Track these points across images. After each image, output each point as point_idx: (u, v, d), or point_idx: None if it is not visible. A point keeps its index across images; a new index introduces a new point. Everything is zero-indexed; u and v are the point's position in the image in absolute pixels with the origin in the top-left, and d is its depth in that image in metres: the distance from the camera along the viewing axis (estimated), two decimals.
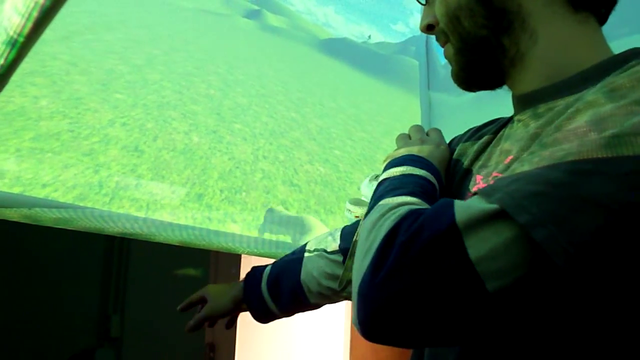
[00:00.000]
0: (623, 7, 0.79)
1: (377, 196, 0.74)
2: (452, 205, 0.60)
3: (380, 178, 0.81)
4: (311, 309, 1.24)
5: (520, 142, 0.74)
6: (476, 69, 0.80)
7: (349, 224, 1.21)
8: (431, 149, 0.89)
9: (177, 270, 4.14)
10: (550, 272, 0.54)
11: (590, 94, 0.62)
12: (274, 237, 1.87)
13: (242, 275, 3.49)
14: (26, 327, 3.80)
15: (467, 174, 0.85)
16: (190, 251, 2.60)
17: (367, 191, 1.03)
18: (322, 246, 1.19)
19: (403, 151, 0.87)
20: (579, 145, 0.56)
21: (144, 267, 4.13)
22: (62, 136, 1.69)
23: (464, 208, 0.58)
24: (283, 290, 1.20)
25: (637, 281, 0.58)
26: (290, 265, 1.22)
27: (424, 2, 0.86)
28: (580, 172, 0.54)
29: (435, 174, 0.82)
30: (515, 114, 0.81)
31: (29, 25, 0.65)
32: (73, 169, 1.67)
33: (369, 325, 0.61)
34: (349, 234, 1.15)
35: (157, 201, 1.79)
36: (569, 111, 0.63)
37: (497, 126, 0.89)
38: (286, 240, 1.94)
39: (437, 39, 0.85)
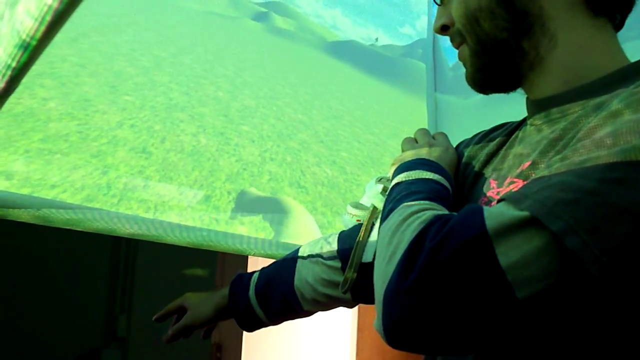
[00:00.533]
0: (633, 10, 0.79)
1: (395, 200, 0.73)
2: (481, 212, 0.60)
3: (393, 182, 0.80)
4: (302, 317, 1.20)
5: (536, 146, 0.74)
6: (492, 71, 0.80)
7: (345, 229, 1.16)
8: (440, 152, 0.88)
9: (184, 270, 4.15)
10: (581, 280, 0.54)
11: (615, 103, 0.62)
12: (247, 219, 1.86)
13: None
14: (33, 327, 3.81)
15: (479, 177, 0.85)
16: (197, 252, 2.61)
17: (370, 192, 1.02)
18: (316, 251, 1.14)
19: (412, 154, 0.87)
20: (608, 155, 0.56)
21: (150, 268, 4.15)
22: (71, 137, 1.70)
23: (494, 215, 0.58)
24: (273, 297, 1.15)
25: None
26: (281, 271, 1.17)
27: (439, 2, 0.86)
28: (611, 180, 0.55)
29: (447, 178, 0.81)
30: (529, 117, 0.81)
31: (42, 28, 0.65)
32: (81, 170, 1.68)
33: (396, 331, 0.60)
34: (347, 237, 1.11)
35: (164, 202, 1.80)
36: (594, 120, 0.62)
37: (509, 129, 0.89)
38: (293, 242, 1.95)
39: (452, 40, 0.84)
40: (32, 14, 0.63)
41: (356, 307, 3.15)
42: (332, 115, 2.37)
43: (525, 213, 0.56)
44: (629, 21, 0.80)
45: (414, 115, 2.42)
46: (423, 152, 0.87)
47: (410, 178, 0.79)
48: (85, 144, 1.72)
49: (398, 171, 0.83)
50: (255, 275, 1.20)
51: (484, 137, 0.93)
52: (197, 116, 1.96)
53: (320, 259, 1.12)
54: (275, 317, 1.18)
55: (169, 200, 1.80)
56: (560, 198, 0.56)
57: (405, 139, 0.96)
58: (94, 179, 1.70)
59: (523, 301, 0.55)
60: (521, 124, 0.86)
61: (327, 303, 1.14)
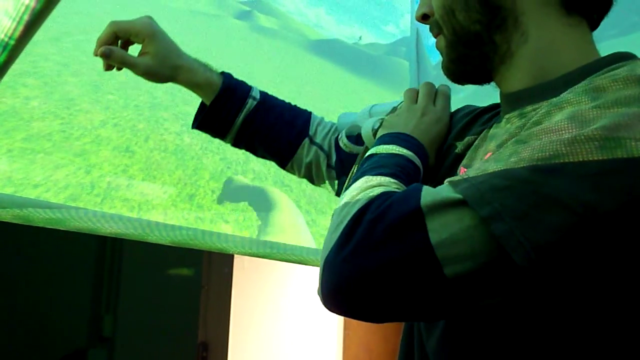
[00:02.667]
0: (613, 8, 0.80)
1: (361, 172, 0.76)
2: (420, 189, 0.61)
3: (369, 152, 0.82)
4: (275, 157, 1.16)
5: (500, 139, 0.75)
6: (466, 63, 0.81)
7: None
8: (429, 123, 0.90)
9: (169, 270, 4.14)
10: (510, 266, 0.55)
11: (568, 93, 0.64)
12: (231, 217, 1.85)
13: (235, 276, 3.48)
14: (18, 327, 3.79)
15: (457, 161, 0.86)
16: (183, 251, 2.60)
17: (365, 127, 1.03)
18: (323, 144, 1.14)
19: (399, 124, 0.89)
20: (549, 143, 0.57)
21: (136, 267, 4.13)
22: (54, 137, 1.70)
23: (431, 193, 0.60)
24: (270, 125, 1.11)
25: (615, 288, 0.59)
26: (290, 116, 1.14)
27: None
28: (546, 169, 0.56)
29: (422, 156, 0.83)
30: (504, 113, 0.82)
31: (20, 28, 0.65)
32: (65, 169, 1.67)
33: (331, 298, 0.62)
34: (343, 160, 1.11)
35: (148, 201, 1.79)
36: (545, 109, 0.64)
37: (490, 115, 0.89)
38: (277, 240, 1.95)
39: (431, 30, 0.85)
40: (10, 14, 0.63)
41: None
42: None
43: (459, 195, 0.58)
44: (610, 20, 0.80)
45: None
46: (410, 125, 0.88)
47: (385, 152, 0.81)
48: (69, 143, 1.72)
49: (378, 142, 0.85)
50: (257, 92, 1.12)
51: (476, 117, 0.93)
52: (181, 115, 1.95)
53: (323, 155, 1.13)
54: (248, 138, 1.12)
55: (152, 199, 1.80)
56: (494, 184, 0.57)
57: (407, 92, 0.96)
58: (78, 178, 1.69)
59: (452, 279, 0.57)
60: (496, 117, 0.87)
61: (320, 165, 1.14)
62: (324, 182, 1.15)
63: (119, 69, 1.05)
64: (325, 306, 0.64)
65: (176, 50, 1.07)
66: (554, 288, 0.58)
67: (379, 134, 0.89)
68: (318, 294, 0.64)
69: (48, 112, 1.73)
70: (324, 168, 1.13)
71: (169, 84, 1.10)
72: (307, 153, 1.13)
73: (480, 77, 0.83)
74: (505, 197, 0.56)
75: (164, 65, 1.05)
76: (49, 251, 3.84)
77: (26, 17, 0.65)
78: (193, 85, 1.09)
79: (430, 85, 0.96)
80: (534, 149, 0.58)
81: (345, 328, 3.20)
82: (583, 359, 0.63)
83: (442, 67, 0.85)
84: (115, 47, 1.03)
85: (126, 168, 1.79)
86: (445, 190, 0.60)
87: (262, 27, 2.45)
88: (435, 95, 0.96)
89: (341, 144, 1.08)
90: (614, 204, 0.53)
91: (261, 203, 1.96)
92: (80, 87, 1.82)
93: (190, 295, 3.68)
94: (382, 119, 0.98)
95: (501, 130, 0.79)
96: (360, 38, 2.56)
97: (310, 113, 1.17)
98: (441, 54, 0.84)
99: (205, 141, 1.92)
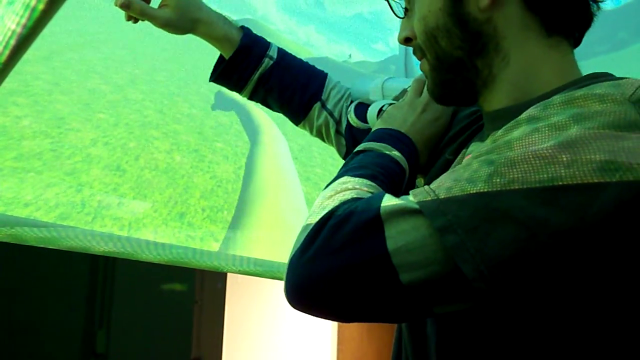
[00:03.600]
0: (601, 25, 0.81)
1: (343, 171, 0.77)
2: (382, 197, 0.63)
3: (359, 147, 0.84)
4: (291, 115, 1.18)
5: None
6: (450, 86, 0.81)
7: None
8: (426, 122, 0.91)
9: (162, 285, 4.13)
10: (463, 277, 0.56)
11: (531, 109, 0.65)
12: (194, 232, 1.84)
13: (228, 290, 3.46)
14: (11, 344, 3.78)
15: (444, 166, 0.86)
16: (175, 267, 2.60)
17: (371, 109, 1.04)
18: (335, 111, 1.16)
19: (396, 120, 0.90)
20: (505, 158, 0.58)
21: (129, 283, 4.12)
22: (44, 155, 1.70)
23: (391, 201, 0.61)
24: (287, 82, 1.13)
25: (571, 306, 0.60)
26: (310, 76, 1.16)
27: (402, 16, 0.87)
28: (499, 184, 0.57)
29: (411, 158, 0.85)
30: (486, 131, 0.83)
31: (7, 52, 0.66)
32: (55, 188, 1.67)
33: (293, 296, 0.64)
34: (353, 128, 1.12)
35: (139, 220, 1.79)
36: (510, 124, 0.65)
37: (476, 127, 0.90)
38: (268, 259, 1.95)
39: (414, 53, 0.86)
40: None
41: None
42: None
43: (415, 205, 0.59)
44: (600, 36, 0.81)
45: None
46: (408, 121, 0.90)
47: (373, 149, 0.83)
48: (59, 162, 1.72)
49: (372, 136, 0.87)
50: (274, 50, 1.14)
51: (475, 120, 0.93)
52: (171, 133, 1.96)
53: (332, 121, 1.15)
54: (263, 95, 1.15)
55: (143, 218, 1.80)
56: (451, 196, 0.58)
57: (415, 82, 0.96)
58: (68, 197, 1.69)
59: (407, 286, 0.58)
60: (479, 133, 0.87)
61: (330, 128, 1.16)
62: (333, 145, 1.16)
63: (136, 21, 1.05)
64: (290, 304, 0.66)
65: (196, 3, 1.09)
66: (514, 304, 0.58)
67: (376, 126, 0.90)
68: (284, 293, 0.66)
69: (39, 131, 1.73)
70: (332, 133, 1.15)
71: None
72: (317, 116, 1.15)
73: (465, 100, 0.84)
74: (460, 209, 0.57)
75: (184, 17, 1.06)
76: (42, 267, 3.83)
77: (13, 42, 0.65)
78: (212, 39, 1.10)
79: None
80: (489, 164, 0.59)
81: (339, 343, 3.20)
82: None
83: (427, 89, 0.86)
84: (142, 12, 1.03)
85: (117, 187, 1.79)
86: (405, 200, 0.61)
87: None
88: None
89: (350, 119, 1.10)
90: (565, 220, 0.54)
91: (248, 124, 1.95)
92: (71, 106, 1.82)
93: (183, 310, 3.68)
94: (389, 103, 0.99)
95: (478, 148, 0.80)
96: (350, 56, 2.58)
97: (326, 75, 1.18)
98: (426, 77, 0.85)
99: (196, 160, 1.92)
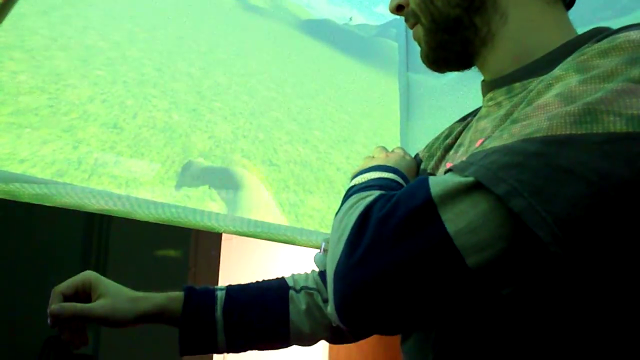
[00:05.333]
0: None
1: (348, 195, 0.73)
2: (427, 182, 0.59)
3: (349, 185, 0.80)
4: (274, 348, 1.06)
5: (495, 121, 0.74)
6: (447, 49, 0.81)
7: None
8: (397, 159, 0.88)
9: (157, 251, 4.14)
10: (533, 246, 0.54)
11: (558, 69, 0.63)
12: (191, 191, 1.84)
13: (223, 258, 3.47)
14: (2, 310, 3.79)
15: (435, 169, 0.86)
16: (170, 233, 2.59)
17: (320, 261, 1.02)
18: (307, 284, 1.07)
19: (368, 162, 0.86)
20: (550, 118, 0.56)
21: (124, 248, 4.12)
22: (41, 112, 1.68)
23: (439, 183, 0.58)
24: (252, 325, 1.02)
25: (632, 270, 0.57)
26: (265, 299, 1.05)
27: None
28: (554, 142, 0.54)
29: (403, 178, 0.81)
30: (485, 95, 0.82)
31: None
32: (52, 144, 1.66)
33: (347, 309, 0.59)
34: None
35: (136, 178, 1.79)
36: (538, 86, 0.63)
37: (465, 119, 0.90)
38: (269, 221, 1.95)
39: (406, 20, 0.85)
40: None
41: None
42: (305, 93, 2.37)
43: (470, 178, 0.56)
44: (601, 2, 0.81)
45: (386, 94, 2.43)
46: (380, 160, 0.86)
47: (365, 179, 0.78)
48: (56, 118, 1.71)
49: (356, 175, 0.82)
50: (221, 296, 1.04)
51: (443, 133, 0.93)
52: (170, 92, 1.94)
53: (315, 292, 1.06)
54: (241, 344, 1.03)
55: (140, 176, 1.79)
56: (505, 162, 0.55)
57: (364, 158, 0.93)
58: (65, 154, 1.68)
59: (475, 269, 0.55)
60: (476, 111, 0.87)
61: (321, 333, 1.06)
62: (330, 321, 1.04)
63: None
64: (344, 322, 0.60)
65: (126, 288, 1.01)
66: (582, 271, 0.56)
67: (350, 179, 0.84)
68: (331, 314, 0.61)
69: (35, 87, 1.72)
70: (321, 304, 1.04)
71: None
72: (299, 302, 1.04)
73: (461, 63, 0.84)
74: (519, 173, 0.54)
75: (120, 299, 0.98)
76: (35, 237, 3.83)
77: None
78: (157, 308, 1.00)
79: (381, 146, 0.95)
80: (536, 126, 0.57)
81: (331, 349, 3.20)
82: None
83: (421, 57, 0.85)
84: (64, 303, 0.95)
85: (114, 144, 1.78)
86: (453, 177, 0.58)
87: (252, 6, 2.44)
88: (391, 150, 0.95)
89: (316, 263, 1.04)
90: (628, 171, 0.52)
91: (224, 184, 1.95)
92: (69, 62, 1.81)
93: (177, 276, 3.69)
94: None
95: (489, 111, 0.79)
96: (350, 19, 2.56)
97: (282, 277, 1.10)
98: (419, 44, 0.84)
99: (194, 119, 1.91)
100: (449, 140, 0.88)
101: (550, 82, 0.62)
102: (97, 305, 0.96)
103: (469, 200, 0.55)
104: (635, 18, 1.84)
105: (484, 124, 0.79)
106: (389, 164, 0.84)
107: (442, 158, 0.88)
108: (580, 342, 0.60)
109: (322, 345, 3.14)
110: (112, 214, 1.78)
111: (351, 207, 0.65)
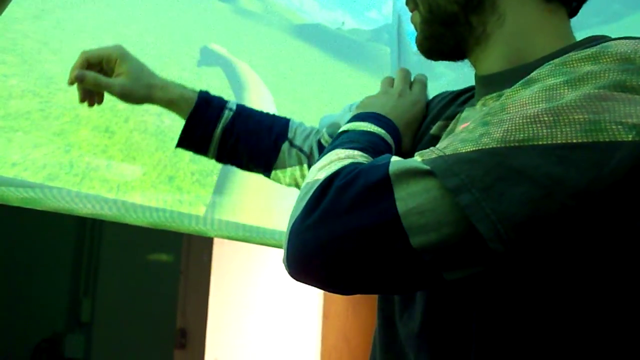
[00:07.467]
0: None
1: (332, 146, 0.75)
2: (389, 158, 0.61)
3: (342, 129, 0.82)
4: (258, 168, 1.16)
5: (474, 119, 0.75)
6: (440, 41, 0.81)
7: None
8: (404, 107, 0.89)
9: (149, 255, 4.13)
10: (477, 239, 0.55)
11: (533, 73, 0.63)
12: (210, 201, 1.84)
13: (214, 263, 3.47)
14: None
15: (429, 143, 0.86)
16: (162, 236, 2.59)
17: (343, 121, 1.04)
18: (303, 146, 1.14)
19: (374, 105, 0.88)
20: (516, 116, 0.57)
21: (115, 252, 4.11)
22: (33, 115, 1.68)
23: (399, 162, 0.60)
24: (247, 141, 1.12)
25: (610, 283, 0.58)
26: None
27: None
28: (512, 142, 0.55)
29: (395, 135, 0.83)
30: (478, 95, 0.82)
31: None
32: (43, 148, 1.66)
33: (296, 265, 0.62)
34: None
35: (127, 182, 1.78)
36: (515, 86, 0.63)
37: (464, 100, 0.90)
38: (256, 225, 1.95)
39: (407, 3, 0.85)
40: None
41: (321, 295, 3.18)
42: (298, 98, 2.36)
43: (426, 167, 0.58)
44: (593, 8, 0.81)
45: None
46: (387, 106, 0.88)
47: (357, 129, 0.80)
48: (48, 122, 1.70)
49: (352, 119, 0.84)
50: (227, 117, 1.13)
51: (452, 100, 0.93)
52: None
53: (304, 157, 1.13)
54: (228, 162, 1.16)
55: (131, 180, 1.79)
56: (462, 156, 0.57)
57: (385, 79, 0.96)
58: (56, 158, 1.68)
59: (418, 249, 0.56)
60: (469, 100, 0.87)
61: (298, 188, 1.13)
62: None
63: (92, 102, 1.11)
64: (291, 275, 0.64)
65: (148, 70, 1.12)
66: (527, 268, 0.57)
67: (353, 113, 0.88)
68: (283, 262, 0.64)
69: (27, 91, 1.71)
70: (306, 171, 1.10)
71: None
72: (288, 157, 1.12)
73: (453, 55, 0.84)
74: (472, 168, 0.55)
75: (138, 83, 1.09)
76: (27, 234, 3.81)
77: None
78: (169, 102, 1.13)
79: (406, 71, 0.97)
80: (502, 123, 0.57)
81: (324, 317, 3.21)
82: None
83: (415, 42, 0.85)
84: (88, 71, 1.07)
85: (105, 148, 1.78)
86: (413, 161, 0.59)
87: (245, 10, 2.43)
88: (412, 81, 0.96)
89: (322, 141, 1.08)
90: (581, 179, 0.52)
91: (219, 189, 1.95)
92: (60, 66, 1.80)
93: (168, 281, 3.68)
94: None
95: (475, 113, 0.79)
96: (343, 23, 2.57)
97: (289, 119, 1.17)
98: (415, 28, 0.84)
99: None
100: (448, 116, 0.88)
101: (526, 82, 0.62)
102: (116, 83, 1.08)
103: (422, 184, 0.57)
104: (625, 24, 1.85)
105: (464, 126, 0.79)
106: (390, 115, 0.85)
107: (439, 132, 0.87)
108: (581, 342, 0.61)
109: (315, 319, 3.15)
110: (104, 218, 1.78)
111: (325, 165, 0.68)
